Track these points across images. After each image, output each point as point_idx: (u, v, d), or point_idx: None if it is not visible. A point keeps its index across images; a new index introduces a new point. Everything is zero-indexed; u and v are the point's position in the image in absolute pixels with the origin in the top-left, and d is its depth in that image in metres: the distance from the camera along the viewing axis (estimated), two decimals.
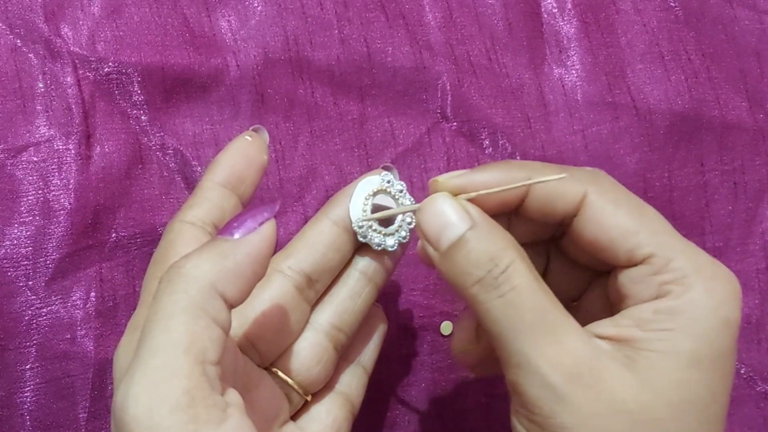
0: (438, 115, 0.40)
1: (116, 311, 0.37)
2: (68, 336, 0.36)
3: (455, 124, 0.39)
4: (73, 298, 0.36)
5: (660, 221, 0.28)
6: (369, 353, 0.34)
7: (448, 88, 0.39)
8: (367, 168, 0.39)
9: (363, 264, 0.32)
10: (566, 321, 0.27)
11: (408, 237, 0.32)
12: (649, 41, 0.41)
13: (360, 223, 0.31)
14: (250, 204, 0.31)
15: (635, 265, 0.27)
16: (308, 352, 0.31)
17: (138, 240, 0.37)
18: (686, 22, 0.41)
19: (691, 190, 0.40)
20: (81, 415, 0.36)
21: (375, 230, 0.31)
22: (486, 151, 0.39)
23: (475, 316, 0.28)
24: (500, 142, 0.39)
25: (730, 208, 0.40)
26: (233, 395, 0.25)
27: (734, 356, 0.27)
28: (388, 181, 0.32)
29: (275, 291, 0.30)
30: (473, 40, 0.40)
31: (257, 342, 0.30)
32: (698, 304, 0.26)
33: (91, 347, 0.36)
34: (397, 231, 0.32)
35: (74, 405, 0.36)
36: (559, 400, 0.26)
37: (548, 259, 0.32)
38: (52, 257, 0.36)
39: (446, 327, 0.38)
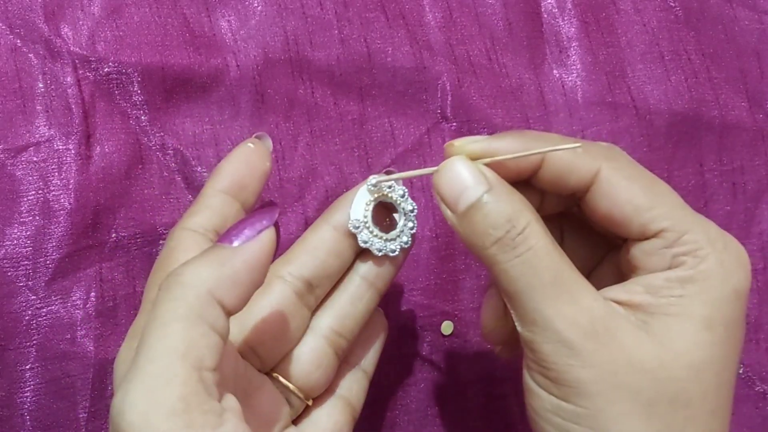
0: (438, 115, 0.40)
1: (116, 311, 0.37)
2: (68, 336, 0.36)
3: (455, 124, 0.39)
4: (73, 298, 0.36)
5: (672, 196, 0.29)
6: (370, 357, 0.34)
7: (448, 88, 0.39)
8: (367, 168, 0.39)
9: (364, 269, 0.32)
10: (582, 282, 0.27)
11: (410, 242, 0.32)
12: (649, 41, 0.41)
13: (356, 224, 0.31)
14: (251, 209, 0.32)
15: (648, 238, 0.28)
16: (308, 357, 0.31)
17: (138, 240, 0.37)
18: (686, 22, 0.41)
19: (690, 190, 0.40)
20: (81, 415, 0.36)
21: (376, 235, 0.31)
22: None
23: (493, 276, 0.28)
24: None
25: (728, 208, 0.41)
26: (231, 401, 0.26)
27: (743, 325, 0.28)
28: (389, 186, 0.32)
29: (275, 297, 0.30)
30: (473, 40, 0.40)
31: (257, 347, 0.30)
32: (710, 274, 0.27)
33: (91, 347, 0.36)
34: (398, 236, 0.32)
35: (74, 405, 0.36)
36: (575, 355, 0.26)
37: (562, 232, 0.33)
38: (52, 257, 0.36)
39: (447, 327, 0.38)
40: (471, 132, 0.39)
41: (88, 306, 0.36)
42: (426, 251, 0.38)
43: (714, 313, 0.27)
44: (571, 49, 0.41)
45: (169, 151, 0.38)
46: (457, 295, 0.39)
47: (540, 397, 0.28)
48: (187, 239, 0.30)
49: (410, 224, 0.32)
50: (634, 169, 0.29)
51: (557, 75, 0.40)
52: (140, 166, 0.38)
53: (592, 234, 0.31)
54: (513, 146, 0.29)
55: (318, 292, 0.31)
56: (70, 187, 0.36)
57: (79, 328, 0.36)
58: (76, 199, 0.36)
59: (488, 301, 0.33)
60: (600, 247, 0.32)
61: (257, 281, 0.26)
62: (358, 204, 0.31)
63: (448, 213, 0.29)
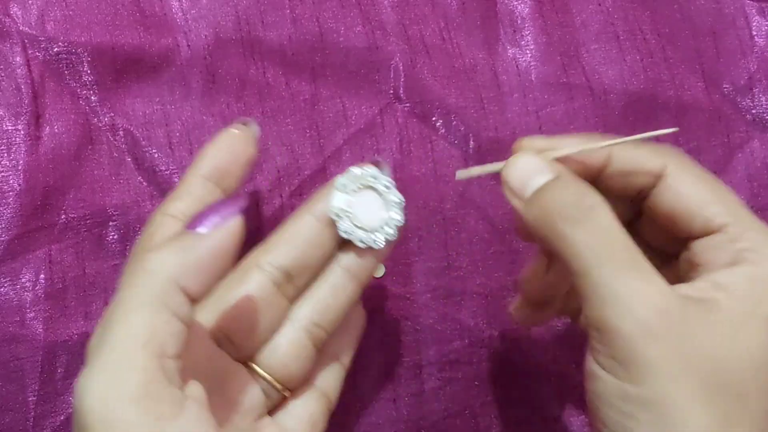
0: (391, 95, 0.39)
1: (66, 293, 0.36)
2: (17, 318, 0.36)
3: (408, 104, 0.39)
4: (23, 280, 0.36)
5: (734, 196, 0.29)
6: (347, 349, 0.34)
7: (401, 68, 0.39)
8: (319, 149, 0.38)
9: (346, 260, 0.31)
10: (653, 269, 0.27)
11: (396, 235, 0.31)
12: (604, 21, 0.40)
13: (336, 211, 0.30)
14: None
15: (710, 233, 0.28)
16: (286, 348, 0.31)
17: (88, 221, 0.37)
18: (641, 1, 0.41)
19: None
20: (30, 398, 0.36)
21: (358, 226, 0.30)
22: (439, 132, 0.39)
23: (560, 256, 0.28)
24: (453, 123, 0.39)
25: None
26: (195, 389, 0.26)
27: None
28: (373, 176, 0.31)
29: (252, 286, 0.30)
30: (426, 20, 0.40)
31: (233, 335, 0.30)
32: None
33: (41, 330, 0.36)
34: (382, 228, 0.31)
35: (23, 388, 0.36)
36: (647, 334, 0.25)
37: None
38: (1, 239, 0.36)
39: (379, 270, 0.35)
40: (424, 112, 0.39)
41: (37, 288, 0.36)
42: None
43: None
44: (525, 29, 0.40)
45: (119, 132, 0.38)
46: (410, 278, 0.38)
47: (604, 382, 0.27)
48: (166, 225, 0.30)
49: (396, 217, 0.31)
50: (699, 169, 0.30)
51: (511, 55, 0.40)
52: (90, 147, 0.37)
53: (653, 243, 0.31)
54: (579, 144, 0.30)
55: (297, 283, 0.31)
56: (20, 168, 0.36)
57: (28, 310, 0.36)
58: (26, 180, 0.36)
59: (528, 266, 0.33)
60: (656, 260, 0.31)
61: (223, 269, 0.26)
62: (338, 192, 0.31)
63: (514, 201, 0.29)
